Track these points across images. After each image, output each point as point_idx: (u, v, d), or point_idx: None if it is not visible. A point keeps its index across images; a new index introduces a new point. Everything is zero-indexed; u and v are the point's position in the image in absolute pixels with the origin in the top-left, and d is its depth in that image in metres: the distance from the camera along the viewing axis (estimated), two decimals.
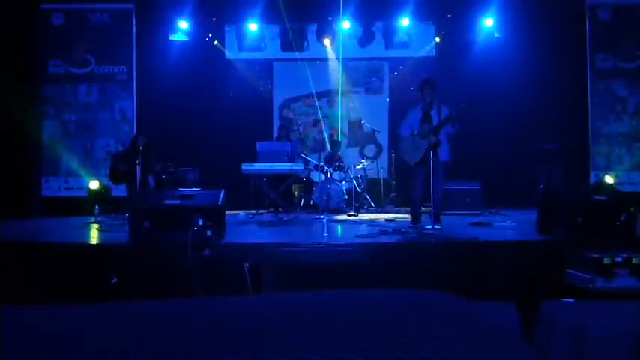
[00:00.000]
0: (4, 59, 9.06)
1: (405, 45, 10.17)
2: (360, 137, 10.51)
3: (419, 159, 5.80)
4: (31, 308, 0.94)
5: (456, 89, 7.54)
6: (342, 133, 10.68)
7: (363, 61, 10.56)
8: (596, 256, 3.57)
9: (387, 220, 7.03)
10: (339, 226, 6.48)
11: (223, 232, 5.02)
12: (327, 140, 10.54)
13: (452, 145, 5.91)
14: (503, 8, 9.59)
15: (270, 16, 9.80)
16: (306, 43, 10.16)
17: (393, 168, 9.55)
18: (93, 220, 7.41)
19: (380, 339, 0.66)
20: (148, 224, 4.80)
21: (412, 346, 0.64)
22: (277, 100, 10.76)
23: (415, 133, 5.85)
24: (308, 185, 8.99)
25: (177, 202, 4.93)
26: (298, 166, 7.96)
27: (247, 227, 6.58)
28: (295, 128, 10.58)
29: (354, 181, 8.67)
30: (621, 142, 9.63)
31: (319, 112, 10.77)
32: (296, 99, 10.74)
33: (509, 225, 6.29)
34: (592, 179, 9.37)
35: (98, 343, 0.76)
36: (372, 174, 9.24)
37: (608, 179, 8.87)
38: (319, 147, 10.38)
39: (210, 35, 10.14)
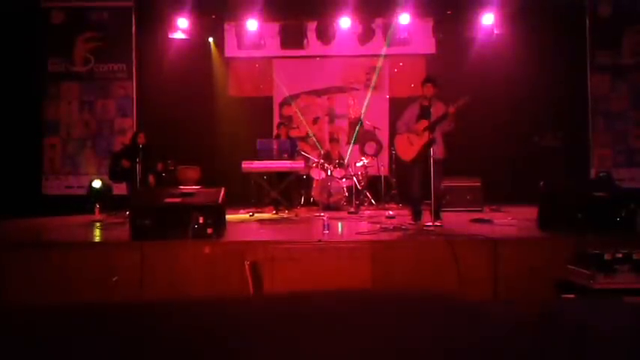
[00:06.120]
0: (3, 57, 9.06)
1: (404, 42, 10.16)
2: (361, 134, 10.51)
3: (413, 156, 5.80)
4: (31, 307, 0.94)
5: (456, 86, 7.53)
6: (342, 130, 10.68)
7: (362, 58, 10.55)
8: (597, 252, 3.57)
9: (387, 217, 7.03)
10: (340, 224, 6.48)
11: (223, 230, 5.02)
12: (326, 137, 10.55)
13: (447, 143, 5.90)
14: (503, 4, 9.58)
15: (269, 13, 9.79)
16: (305, 41, 10.15)
17: (393, 165, 9.55)
18: (93, 218, 7.41)
19: (380, 338, 0.66)
20: (149, 222, 4.80)
21: (412, 345, 0.64)
22: (277, 97, 10.76)
23: (410, 129, 5.85)
24: (308, 182, 8.99)
25: (178, 200, 4.93)
26: (298, 164, 7.97)
27: (247, 225, 6.58)
28: (295, 126, 10.58)
29: (355, 178, 8.68)
30: (621, 138, 9.63)
31: (319, 109, 10.78)
32: (296, 96, 10.73)
33: (510, 221, 6.29)
34: (592, 175, 9.37)
35: (99, 341, 0.76)
36: (372, 171, 9.25)
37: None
38: (319, 144, 10.39)
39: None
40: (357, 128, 10.44)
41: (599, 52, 9.65)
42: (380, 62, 10.40)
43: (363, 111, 10.51)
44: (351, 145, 10.31)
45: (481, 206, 7.86)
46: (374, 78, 10.44)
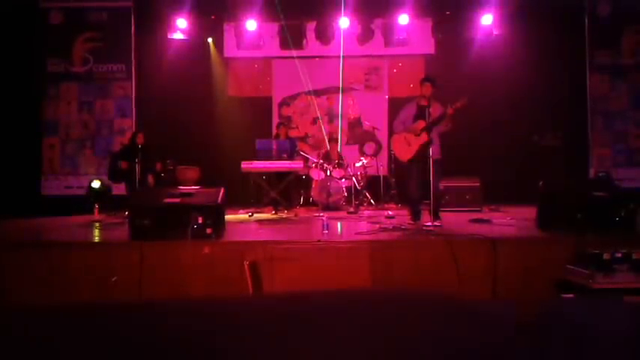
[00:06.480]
0: (2, 58, 9.05)
1: (403, 42, 10.16)
2: (360, 134, 10.51)
3: (411, 156, 5.81)
4: (31, 307, 0.94)
5: (455, 86, 7.54)
6: (341, 130, 10.69)
7: (362, 59, 10.55)
8: (596, 251, 3.57)
9: (387, 216, 7.03)
10: (339, 224, 6.48)
11: (223, 230, 5.02)
12: (326, 138, 10.55)
13: (445, 143, 5.91)
14: (502, 4, 9.59)
15: (268, 13, 9.79)
16: (305, 41, 10.15)
17: (392, 165, 9.56)
18: (93, 218, 7.41)
19: (380, 338, 0.66)
20: (148, 222, 4.80)
21: (411, 345, 0.64)
22: (276, 97, 10.77)
23: (407, 130, 5.85)
24: (308, 182, 8.99)
25: (177, 200, 4.93)
26: (297, 164, 7.97)
27: (247, 225, 6.58)
28: (294, 126, 10.58)
29: (354, 178, 8.68)
30: (621, 138, 9.64)
31: (318, 109, 10.78)
32: (295, 96, 10.74)
33: (509, 221, 6.29)
34: (592, 175, 9.37)
35: (98, 341, 0.76)
36: (371, 171, 9.26)
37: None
38: (318, 144, 10.39)
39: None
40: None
41: (598, 51, 9.65)
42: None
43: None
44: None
45: (480, 206, 7.86)
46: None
